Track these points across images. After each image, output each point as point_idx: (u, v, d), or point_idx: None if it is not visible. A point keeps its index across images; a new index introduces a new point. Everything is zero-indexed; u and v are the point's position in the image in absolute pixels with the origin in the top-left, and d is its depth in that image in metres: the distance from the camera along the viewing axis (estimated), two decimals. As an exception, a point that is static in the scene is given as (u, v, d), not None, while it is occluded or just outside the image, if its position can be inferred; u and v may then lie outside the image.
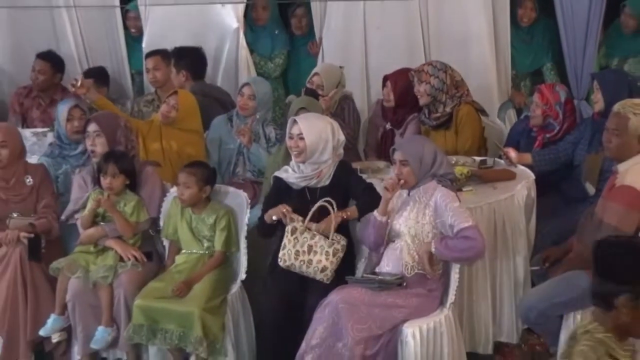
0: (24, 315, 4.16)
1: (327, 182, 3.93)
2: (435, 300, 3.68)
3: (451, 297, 3.66)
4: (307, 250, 3.78)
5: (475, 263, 3.83)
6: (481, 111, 4.91)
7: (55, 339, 4.14)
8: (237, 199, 4.20)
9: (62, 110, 4.67)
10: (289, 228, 3.82)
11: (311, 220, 3.83)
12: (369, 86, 5.71)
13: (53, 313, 4.11)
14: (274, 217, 3.87)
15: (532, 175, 4.35)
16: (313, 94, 4.87)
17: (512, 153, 4.48)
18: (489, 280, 4.07)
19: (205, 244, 4.11)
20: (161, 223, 4.22)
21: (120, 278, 4.05)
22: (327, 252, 3.77)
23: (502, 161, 4.57)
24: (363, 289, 3.60)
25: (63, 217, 4.31)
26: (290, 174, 3.96)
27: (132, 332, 3.86)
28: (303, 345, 3.55)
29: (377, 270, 3.74)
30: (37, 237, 4.16)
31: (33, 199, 4.32)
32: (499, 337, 4.18)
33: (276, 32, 6.05)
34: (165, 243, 4.25)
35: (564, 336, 3.72)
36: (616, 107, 3.70)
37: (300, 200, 3.91)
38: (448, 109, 4.77)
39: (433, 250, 3.56)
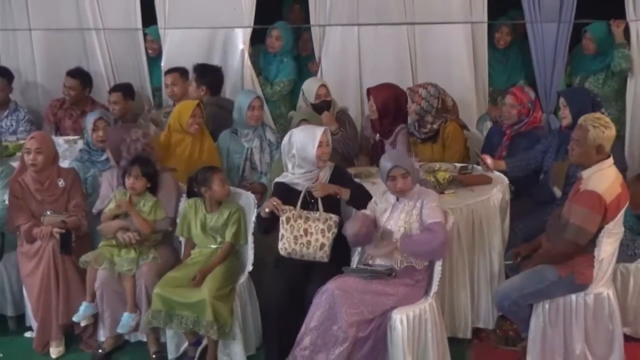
0: (56, 302, 4.19)
1: (325, 185, 3.96)
2: (421, 290, 3.69)
3: (434, 287, 3.68)
4: (304, 233, 3.80)
5: (446, 258, 3.79)
6: (464, 126, 4.93)
7: (83, 323, 4.17)
8: (246, 199, 4.23)
9: (89, 121, 4.72)
10: (283, 219, 3.82)
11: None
12: (363, 102, 5.71)
13: (84, 301, 4.13)
14: (267, 210, 3.88)
15: (506, 180, 4.38)
16: (322, 105, 4.91)
17: (489, 160, 4.49)
18: (467, 272, 4.09)
19: (218, 240, 4.13)
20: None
21: (141, 269, 4.08)
22: (322, 230, 3.80)
23: (479, 167, 4.60)
24: (357, 278, 3.62)
25: (94, 211, 4.34)
26: (291, 177, 3.97)
27: (151, 317, 3.89)
28: (303, 327, 3.57)
29: (369, 262, 3.76)
30: (68, 232, 4.18)
31: (65, 199, 4.34)
32: (477, 323, 4.20)
33: (284, 60, 5.92)
34: (181, 239, 4.27)
35: (533, 323, 3.76)
36: (580, 119, 3.73)
37: (302, 202, 3.90)
38: (435, 126, 4.78)
39: (398, 245, 3.59)
